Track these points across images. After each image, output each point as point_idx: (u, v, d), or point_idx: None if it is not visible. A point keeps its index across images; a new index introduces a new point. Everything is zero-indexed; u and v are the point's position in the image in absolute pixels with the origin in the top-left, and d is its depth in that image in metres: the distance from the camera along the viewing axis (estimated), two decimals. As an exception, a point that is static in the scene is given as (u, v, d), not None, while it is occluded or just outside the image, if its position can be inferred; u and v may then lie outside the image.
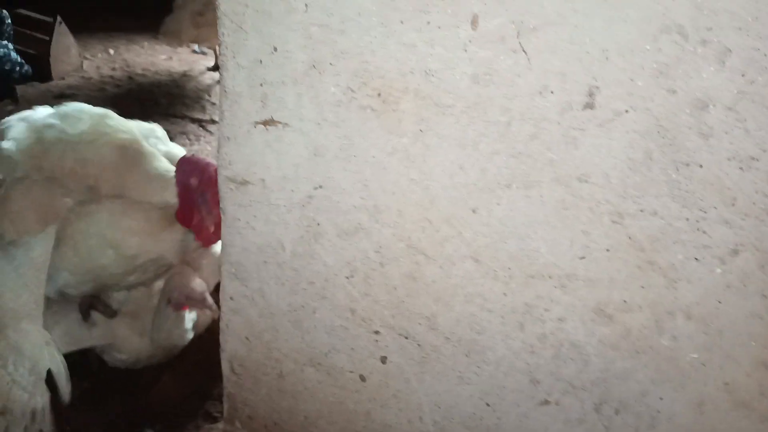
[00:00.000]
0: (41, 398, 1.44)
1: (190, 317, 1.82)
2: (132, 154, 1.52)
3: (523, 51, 0.64)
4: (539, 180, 0.71)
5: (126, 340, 1.75)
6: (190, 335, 1.84)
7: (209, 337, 2.15)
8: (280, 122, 0.83)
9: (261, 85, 0.82)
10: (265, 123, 0.85)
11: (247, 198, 0.94)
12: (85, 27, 4.37)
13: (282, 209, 0.91)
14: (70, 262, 1.47)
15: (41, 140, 1.50)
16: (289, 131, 0.84)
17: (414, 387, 0.98)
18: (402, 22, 0.69)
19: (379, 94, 0.74)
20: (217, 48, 4.21)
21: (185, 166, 1.49)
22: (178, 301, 1.61)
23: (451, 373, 0.92)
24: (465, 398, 0.93)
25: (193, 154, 1.68)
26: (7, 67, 2.61)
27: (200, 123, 3.72)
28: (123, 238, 1.46)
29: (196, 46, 4.54)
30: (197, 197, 1.48)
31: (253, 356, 1.13)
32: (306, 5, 0.73)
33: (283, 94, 0.81)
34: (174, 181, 1.54)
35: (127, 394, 1.95)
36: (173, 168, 1.53)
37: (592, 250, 0.72)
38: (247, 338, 1.11)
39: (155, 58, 4.42)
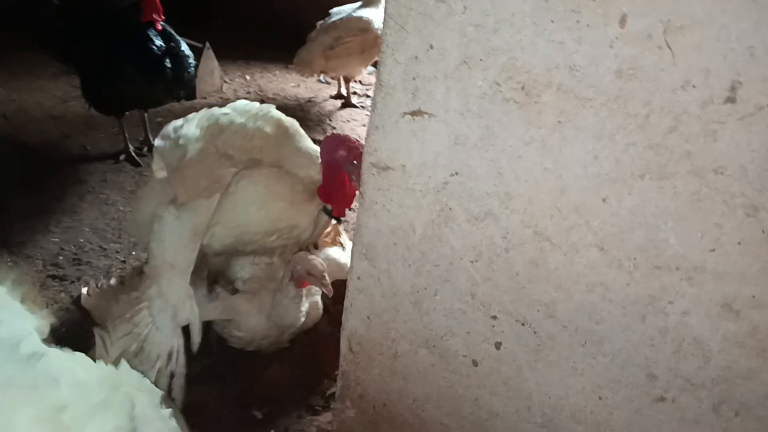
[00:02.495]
0: (177, 342, 1.63)
1: (305, 303, 1.96)
2: (288, 131, 1.78)
3: (669, 48, 0.70)
4: (674, 171, 0.75)
5: (245, 317, 1.91)
6: (303, 319, 1.98)
7: (316, 335, 2.28)
8: (426, 113, 0.94)
9: (414, 79, 0.93)
10: (413, 113, 0.95)
11: (386, 183, 1.04)
12: (227, 55, 4.85)
13: (417, 194, 1.01)
14: (224, 215, 1.70)
15: (218, 124, 1.78)
16: (433, 121, 0.94)
17: (525, 375, 1.02)
18: (553, 22, 0.77)
19: (522, 88, 0.82)
20: (340, 78, 4.52)
21: (331, 142, 1.71)
22: (300, 275, 1.76)
23: (564, 363, 0.96)
24: (577, 390, 0.96)
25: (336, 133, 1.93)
26: (190, 70, 2.95)
27: (320, 143, 4.02)
28: (273, 201, 1.69)
29: (322, 76, 4.88)
30: (346, 166, 1.67)
31: (371, 335, 1.21)
32: (465, 8, 0.83)
33: (433, 88, 0.91)
34: (319, 160, 1.75)
35: (240, 376, 2.11)
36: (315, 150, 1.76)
37: (723, 243, 0.75)
38: (368, 317, 1.20)
39: (285, 84, 4.81)
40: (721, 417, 0.83)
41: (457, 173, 0.95)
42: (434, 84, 0.91)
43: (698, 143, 0.72)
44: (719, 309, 0.78)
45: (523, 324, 0.98)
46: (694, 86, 0.70)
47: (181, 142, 1.83)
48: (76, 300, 2.30)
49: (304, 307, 2.00)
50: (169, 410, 1.12)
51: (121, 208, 2.80)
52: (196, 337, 1.67)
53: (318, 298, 2.15)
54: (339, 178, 1.72)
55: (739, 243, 0.74)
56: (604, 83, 0.76)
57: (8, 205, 2.64)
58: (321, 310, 2.17)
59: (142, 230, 1.82)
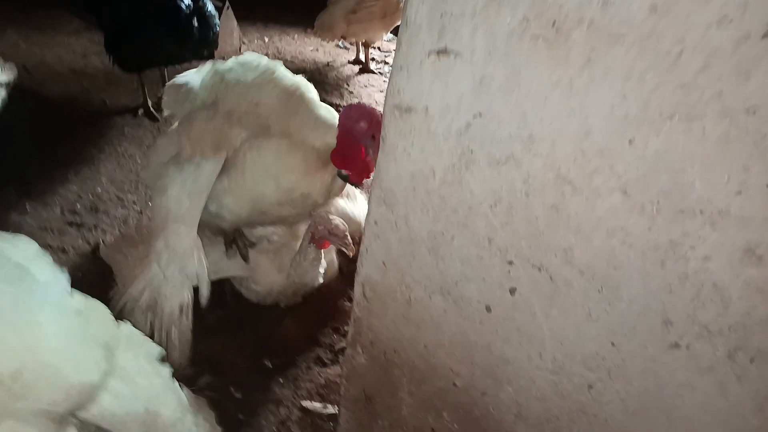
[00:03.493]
0: (187, 295, 1.66)
1: (323, 264, 1.98)
2: (296, 101, 1.73)
3: (707, -20, 0.68)
4: (704, 112, 0.74)
5: (265, 272, 1.94)
6: (321, 280, 2.00)
7: (328, 292, 2.31)
8: (452, 52, 0.93)
9: (441, 16, 0.91)
10: (439, 53, 0.94)
11: (408, 126, 1.04)
12: (246, 17, 4.83)
13: (439, 137, 1.00)
14: (235, 187, 1.69)
15: (224, 80, 1.74)
16: (459, 61, 0.93)
17: (539, 322, 1.02)
18: (587, -46, 0.75)
19: (553, 24, 0.81)
20: (359, 44, 4.48)
21: (353, 111, 1.67)
22: (321, 235, 1.77)
23: (579, 309, 0.96)
24: (590, 337, 0.96)
25: (359, 102, 1.90)
26: (216, 30, 2.94)
27: (337, 107, 4.03)
28: (284, 173, 1.66)
29: (341, 41, 4.84)
30: (364, 139, 1.64)
31: (385, 281, 1.22)
32: (497, -60, 0.82)
33: (460, 26, 0.90)
34: (334, 127, 1.72)
35: (254, 329, 2.15)
36: (332, 115, 1.73)
37: (750, 186, 0.74)
38: (383, 263, 1.21)
39: (303, 48, 4.77)
40: (735, 364, 0.83)
41: (480, 115, 0.94)
42: (461, 22, 0.90)
43: (730, 82, 0.71)
44: (741, 254, 0.77)
45: (539, 269, 0.98)
46: (730, 21, 0.69)
47: (188, 95, 1.82)
48: (94, 248, 2.34)
49: (323, 268, 2.02)
50: (169, 369, 1.13)
51: (139, 161, 2.83)
52: (205, 290, 1.69)
53: (334, 255, 2.17)
54: (355, 148, 1.69)
55: (767, 186, 0.73)
56: (637, 19, 0.74)
57: (28, 154, 2.68)
58: (337, 267, 2.19)
59: (154, 181, 1.84)
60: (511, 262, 1.01)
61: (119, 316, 1.76)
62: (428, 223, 1.09)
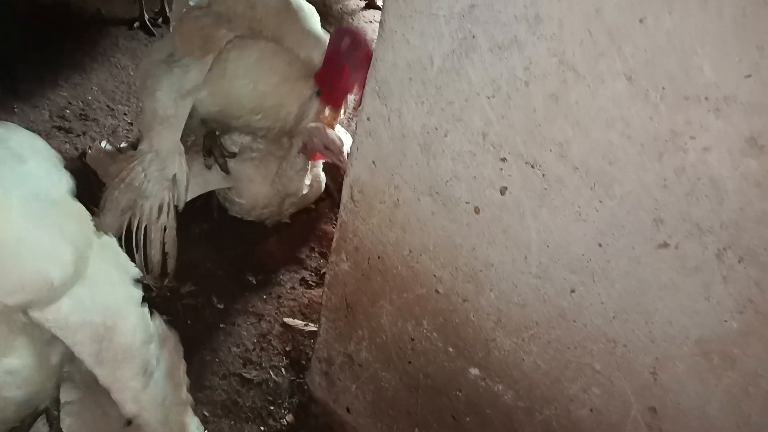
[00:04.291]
0: (167, 195, 1.63)
1: (309, 177, 1.95)
2: (294, 8, 1.68)
3: None
4: (722, -15, 0.69)
5: (248, 183, 1.91)
6: (305, 191, 1.98)
7: (316, 216, 2.29)
8: (462, -76, 0.87)
9: None
10: (447, -76, 0.88)
11: (408, 8, 0.99)
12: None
13: (441, 20, 0.95)
14: (214, 82, 1.65)
15: None
16: (468, -66, 0.87)
17: (527, 223, 1.00)
18: None
19: None
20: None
21: (344, 33, 1.64)
22: (314, 147, 1.74)
23: (569, 208, 0.93)
24: (577, 237, 0.94)
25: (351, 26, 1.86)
26: None
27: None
28: (265, 74, 1.64)
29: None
30: (347, 58, 1.61)
31: (374, 182, 1.19)
32: None
33: None
34: (324, 44, 1.68)
35: (238, 243, 2.13)
36: (325, 34, 1.70)
37: (762, 68, 0.70)
38: (373, 162, 1.17)
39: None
40: (723, 264, 0.81)
41: (485, -6, 0.89)
42: None
43: (754, -50, 0.66)
44: (743, 144, 0.74)
45: (532, 167, 0.95)
46: None
47: None
48: (81, 154, 2.29)
49: (308, 180, 1.99)
50: (141, 292, 1.07)
51: (131, 73, 2.75)
52: (182, 195, 1.67)
53: (320, 171, 2.14)
54: (339, 68, 1.69)
55: (779, 68, 0.69)
56: None
57: (19, 58, 2.59)
58: (323, 185, 2.16)
59: (144, 80, 1.79)
60: (504, 159, 0.98)
61: (100, 216, 1.73)
62: (422, 116, 1.05)
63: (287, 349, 1.88)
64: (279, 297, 2.04)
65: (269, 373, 1.80)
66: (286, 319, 1.97)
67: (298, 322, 1.97)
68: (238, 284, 2.02)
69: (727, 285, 0.82)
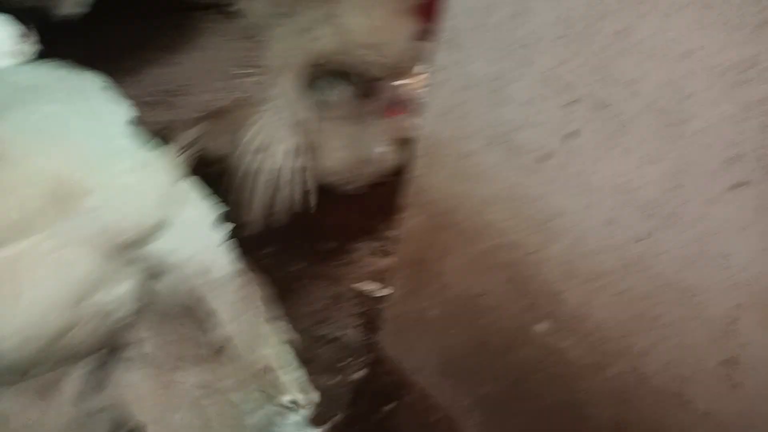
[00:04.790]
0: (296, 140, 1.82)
1: (385, 144, 2.00)
2: None
3: None
4: None
5: (328, 146, 1.98)
6: (382, 160, 2.02)
7: (390, 190, 2.33)
8: None
9: None
10: None
11: (480, -47, 1.00)
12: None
13: (511, -38, 0.96)
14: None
15: None
16: None
17: (597, 167, 0.98)
18: None
19: None
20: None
21: None
22: (391, 102, 1.78)
23: (640, 149, 0.91)
24: (650, 180, 0.92)
25: None
26: None
27: None
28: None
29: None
30: None
31: (445, 134, 1.21)
32: None
33: None
34: None
35: (314, 208, 2.22)
36: None
37: None
38: (443, 114, 1.19)
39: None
40: (802, 200, 0.77)
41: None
42: None
43: None
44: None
45: (603, 107, 0.93)
46: None
47: None
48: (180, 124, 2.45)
49: (384, 147, 2.03)
50: (226, 232, 1.14)
51: (219, 53, 2.90)
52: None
53: (396, 149, 2.17)
54: None
55: None
56: None
57: (117, 37, 2.82)
58: (397, 162, 2.20)
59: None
60: (575, 101, 0.97)
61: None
62: (493, 62, 1.06)
63: (360, 311, 1.94)
64: (353, 263, 2.10)
65: (342, 332, 1.87)
66: (359, 284, 2.03)
67: (371, 287, 2.03)
68: (313, 249, 2.10)
69: (810, 223, 0.78)
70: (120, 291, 1.02)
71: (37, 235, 0.90)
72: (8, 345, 0.88)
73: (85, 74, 1.09)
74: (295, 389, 1.23)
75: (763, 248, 0.83)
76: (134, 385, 1.25)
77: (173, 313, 1.26)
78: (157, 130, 1.19)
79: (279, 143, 1.80)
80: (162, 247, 1.06)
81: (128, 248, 1.01)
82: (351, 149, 1.99)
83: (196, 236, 1.12)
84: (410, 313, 1.58)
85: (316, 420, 1.36)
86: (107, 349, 1.23)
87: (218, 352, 1.22)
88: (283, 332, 1.30)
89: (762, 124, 0.77)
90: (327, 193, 2.24)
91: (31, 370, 1.04)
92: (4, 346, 0.87)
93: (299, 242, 2.11)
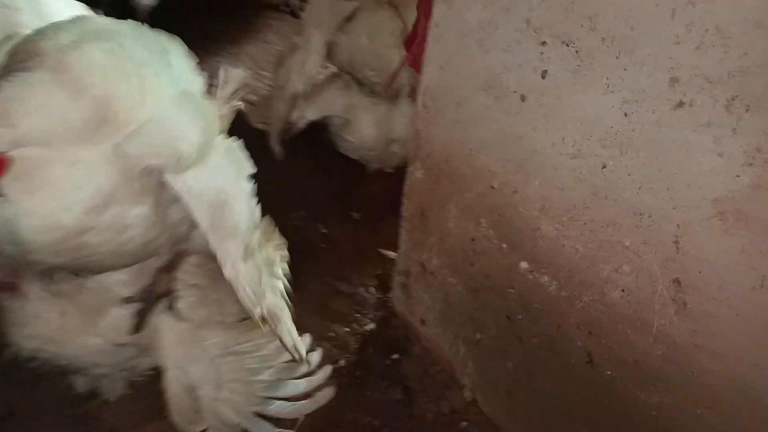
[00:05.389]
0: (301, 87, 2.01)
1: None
2: None
3: None
4: None
5: (361, 121, 2.14)
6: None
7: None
8: None
9: None
10: None
11: None
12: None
13: None
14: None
15: None
16: None
17: (564, 103, 1.09)
18: None
19: None
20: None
21: None
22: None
23: (599, 81, 1.01)
24: (606, 110, 1.02)
25: None
26: None
27: None
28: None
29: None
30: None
31: (442, 85, 1.34)
32: None
33: None
34: None
35: (345, 180, 2.39)
36: None
37: None
38: (441, 67, 1.33)
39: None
40: (732, 115, 0.85)
41: None
42: None
43: None
44: (744, -14, 0.79)
45: (567, 44, 1.04)
46: None
47: None
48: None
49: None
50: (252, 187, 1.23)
51: (278, 48, 3.15)
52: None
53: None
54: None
55: None
56: None
57: (186, 28, 3.13)
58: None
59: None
60: (544, 42, 1.08)
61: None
62: (479, 11, 1.19)
63: (378, 273, 2.08)
64: (378, 233, 2.24)
65: (359, 289, 2.01)
66: (381, 250, 2.16)
67: (391, 253, 2.16)
68: (342, 216, 2.26)
69: (736, 136, 0.85)
70: (136, 212, 1.14)
71: (72, 146, 1.01)
72: (31, 225, 0.98)
73: (157, 30, 1.26)
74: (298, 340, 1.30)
75: (701, 164, 0.91)
76: (166, 333, 1.42)
77: (210, 276, 1.41)
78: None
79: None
80: (184, 183, 1.15)
81: (150, 175, 1.12)
82: (382, 127, 2.15)
83: (223, 178, 1.27)
84: (415, 265, 1.70)
85: (325, 360, 1.49)
86: (152, 295, 1.39)
87: (241, 320, 1.37)
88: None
89: (695, 44, 0.86)
90: (357, 167, 2.40)
91: (56, 268, 1.18)
92: (27, 226, 0.98)
93: (329, 209, 2.27)
